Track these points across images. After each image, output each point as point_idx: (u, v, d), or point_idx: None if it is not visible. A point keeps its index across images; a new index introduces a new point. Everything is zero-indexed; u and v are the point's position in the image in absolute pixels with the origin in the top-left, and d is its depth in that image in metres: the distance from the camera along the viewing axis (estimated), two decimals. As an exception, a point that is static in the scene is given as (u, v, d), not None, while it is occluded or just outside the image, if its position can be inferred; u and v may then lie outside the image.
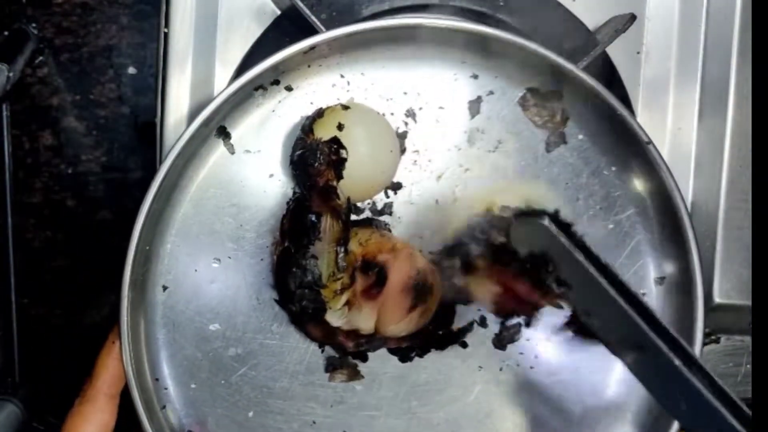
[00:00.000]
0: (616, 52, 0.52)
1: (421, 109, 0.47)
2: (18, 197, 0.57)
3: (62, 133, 0.57)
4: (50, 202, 0.58)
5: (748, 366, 0.53)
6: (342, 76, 0.46)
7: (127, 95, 0.58)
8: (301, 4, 0.46)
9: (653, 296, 0.48)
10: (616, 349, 0.33)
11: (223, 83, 0.52)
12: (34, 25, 0.57)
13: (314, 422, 0.47)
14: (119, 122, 0.58)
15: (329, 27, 0.44)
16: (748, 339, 0.53)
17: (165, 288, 0.46)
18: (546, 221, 0.37)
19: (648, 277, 0.48)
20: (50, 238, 0.58)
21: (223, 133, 0.46)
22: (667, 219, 0.47)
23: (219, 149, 0.46)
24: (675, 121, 0.52)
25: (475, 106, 0.47)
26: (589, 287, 0.34)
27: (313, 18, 0.46)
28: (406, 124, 0.47)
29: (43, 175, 0.58)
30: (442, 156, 0.47)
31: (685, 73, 0.52)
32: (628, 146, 0.47)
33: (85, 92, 0.57)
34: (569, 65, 0.44)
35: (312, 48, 0.43)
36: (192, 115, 0.49)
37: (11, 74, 0.54)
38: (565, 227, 0.37)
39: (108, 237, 0.58)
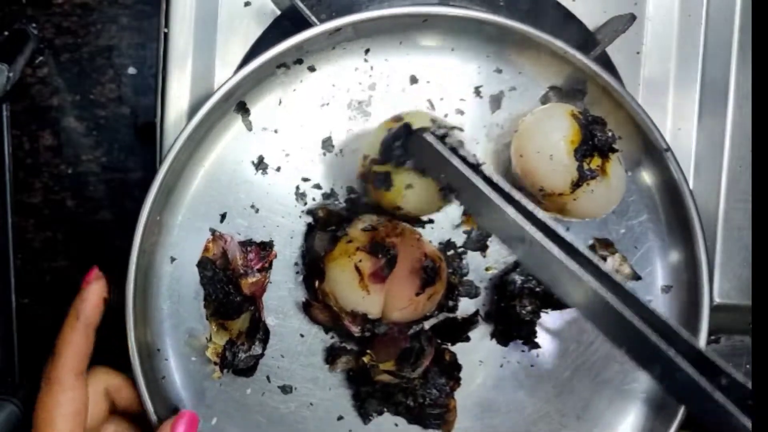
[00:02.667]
0: (616, 52, 0.52)
1: (441, 99, 0.47)
2: (18, 197, 0.57)
3: (62, 134, 0.57)
4: (50, 202, 0.58)
5: (748, 366, 0.53)
6: (366, 61, 0.46)
7: (127, 95, 0.58)
8: (301, 5, 0.46)
9: (660, 303, 0.48)
10: (508, 244, 0.35)
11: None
12: (34, 25, 0.57)
13: (311, 404, 0.47)
14: (119, 122, 0.58)
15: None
16: (748, 339, 0.53)
17: (173, 260, 0.46)
18: (427, 134, 0.38)
19: (655, 284, 0.48)
20: (50, 239, 0.58)
21: (242, 109, 0.46)
22: (679, 229, 0.47)
23: (237, 125, 0.46)
24: (675, 122, 0.52)
25: (496, 101, 0.47)
26: (470, 190, 0.35)
27: (313, 18, 0.46)
28: None
29: (43, 175, 0.57)
30: (459, 148, 0.47)
31: (685, 74, 0.52)
32: (645, 152, 0.47)
33: (85, 92, 0.57)
34: (596, 66, 0.44)
35: (338, 30, 0.43)
36: (192, 115, 0.49)
37: (11, 74, 0.54)
38: (442, 137, 0.38)
39: (108, 237, 0.58)
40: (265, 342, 0.46)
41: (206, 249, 0.45)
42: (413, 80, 0.47)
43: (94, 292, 0.43)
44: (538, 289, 0.46)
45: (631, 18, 0.49)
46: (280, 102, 0.46)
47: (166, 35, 0.49)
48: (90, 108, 0.57)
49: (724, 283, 0.49)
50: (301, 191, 0.47)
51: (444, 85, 0.47)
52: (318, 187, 0.47)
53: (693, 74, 0.52)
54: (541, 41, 0.44)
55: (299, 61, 0.46)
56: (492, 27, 0.45)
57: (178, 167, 0.44)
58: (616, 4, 0.52)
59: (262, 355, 0.46)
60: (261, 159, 0.46)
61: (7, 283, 0.58)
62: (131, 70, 0.57)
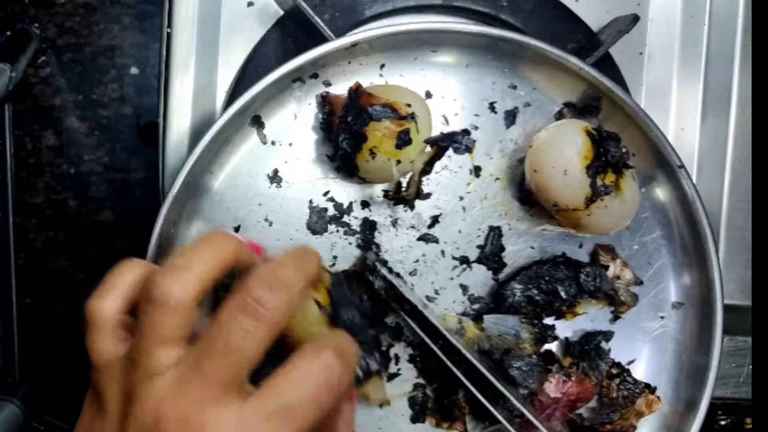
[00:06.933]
0: (619, 52, 0.52)
1: (456, 114, 0.47)
2: (20, 197, 0.57)
3: (64, 133, 0.57)
4: (52, 202, 0.58)
5: (750, 366, 0.53)
6: (381, 76, 0.46)
7: (130, 95, 0.58)
8: (304, 5, 0.46)
9: (672, 320, 0.48)
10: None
11: (225, 84, 0.52)
12: (36, 25, 0.57)
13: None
14: (121, 122, 0.58)
15: (332, 28, 0.44)
16: (750, 340, 0.53)
17: None
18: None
19: (667, 300, 0.48)
20: (52, 238, 0.58)
21: (257, 123, 0.46)
22: (692, 246, 0.47)
23: (252, 138, 0.46)
24: (677, 122, 0.52)
25: (510, 117, 0.47)
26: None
27: (317, 18, 0.46)
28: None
29: (45, 175, 0.58)
30: (472, 163, 0.47)
31: (688, 74, 0.52)
32: (659, 168, 0.47)
33: (88, 92, 0.57)
34: (610, 83, 0.45)
35: (354, 45, 0.43)
36: (192, 119, 0.49)
37: (14, 74, 0.54)
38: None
39: (110, 237, 0.58)
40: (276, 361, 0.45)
41: None
42: (428, 95, 0.47)
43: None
44: (538, 298, 0.46)
45: (634, 19, 0.49)
46: (295, 116, 0.46)
47: (168, 35, 0.49)
48: (92, 108, 0.58)
49: (727, 283, 0.48)
50: (314, 205, 0.46)
51: (459, 100, 0.47)
52: (332, 200, 0.46)
53: (696, 75, 0.52)
54: (555, 58, 0.44)
55: (315, 76, 0.46)
56: (507, 43, 0.45)
57: (193, 180, 0.44)
58: (619, 5, 0.52)
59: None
60: (276, 172, 0.46)
61: (8, 283, 0.58)
62: (134, 70, 0.58)
